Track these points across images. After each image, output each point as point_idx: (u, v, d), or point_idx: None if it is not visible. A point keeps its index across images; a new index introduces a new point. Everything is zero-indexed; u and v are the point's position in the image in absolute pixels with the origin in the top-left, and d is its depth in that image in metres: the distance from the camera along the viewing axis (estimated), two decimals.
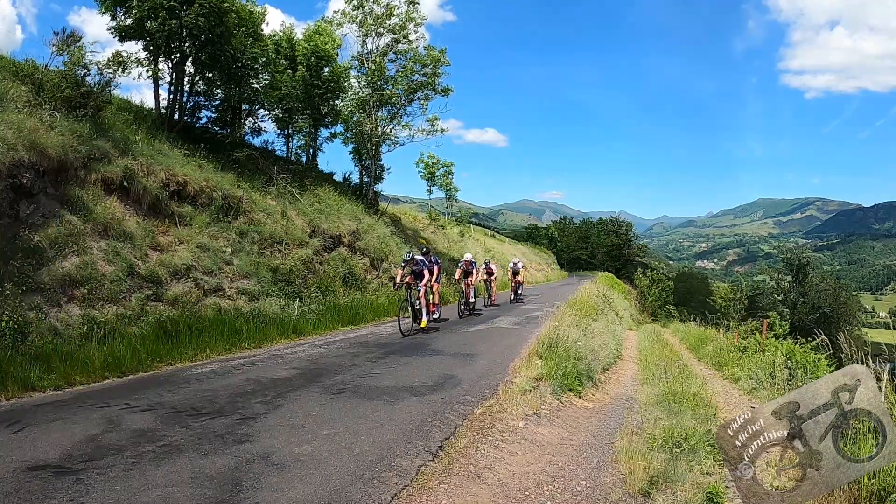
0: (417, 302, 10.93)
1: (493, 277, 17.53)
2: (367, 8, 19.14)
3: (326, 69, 17.72)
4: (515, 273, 19.05)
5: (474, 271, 14.87)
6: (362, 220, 16.86)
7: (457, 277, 14.98)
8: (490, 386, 6.85)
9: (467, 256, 15.47)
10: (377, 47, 19.62)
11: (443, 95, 20.06)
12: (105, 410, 5.17)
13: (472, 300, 14.51)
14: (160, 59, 13.08)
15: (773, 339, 11.01)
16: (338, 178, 20.73)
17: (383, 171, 21.67)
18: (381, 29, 19.32)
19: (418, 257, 11.23)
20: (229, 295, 10.00)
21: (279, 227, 12.61)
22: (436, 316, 12.11)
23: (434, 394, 6.34)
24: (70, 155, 8.58)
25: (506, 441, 5.09)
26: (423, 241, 21.14)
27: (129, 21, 12.33)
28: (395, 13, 19.19)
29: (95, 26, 20.44)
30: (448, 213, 37.20)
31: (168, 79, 13.64)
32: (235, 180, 12.67)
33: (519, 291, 19.04)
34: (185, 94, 14.11)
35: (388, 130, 20.45)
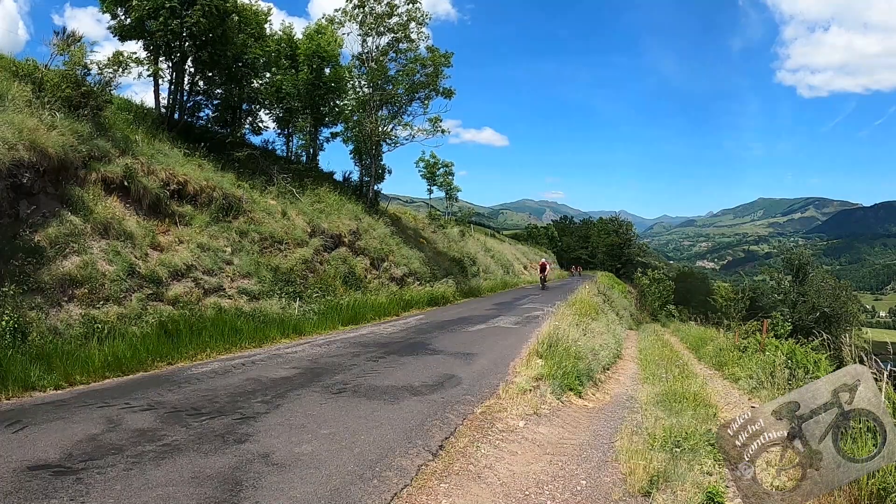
0: None
1: None
2: (367, 7, 19.11)
3: (328, 69, 17.71)
4: None
5: None
6: (362, 219, 16.86)
7: None
8: (490, 385, 6.86)
9: None
10: (377, 46, 19.59)
11: (445, 97, 20.02)
12: (105, 410, 5.17)
13: None
14: (160, 58, 13.08)
15: (774, 339, 10.99)
16: (338, 177, 20.76)
17: (384, 170, 21.65)
18: (382, 28, 19.29)
19: None
20: (230, 295, 10.00)
21: (279, 227, 12.61)
22: None
23: (434, 393, 6.34)
24: (70, 154, 8.58)
25: (506, 441, 5.09)
26: (424, 241, 21.03)
27: (129, 21, 12.33)
28: (395, 12, 19.17)
29: (84, 24, 20.42)
30: (448, 213, 37.13)
31: (168, 78, 13.67)
32: (235, 180, 12.68)
33: None
34: (186, 94, 14.11)
35: (389, 130, 20.42)
